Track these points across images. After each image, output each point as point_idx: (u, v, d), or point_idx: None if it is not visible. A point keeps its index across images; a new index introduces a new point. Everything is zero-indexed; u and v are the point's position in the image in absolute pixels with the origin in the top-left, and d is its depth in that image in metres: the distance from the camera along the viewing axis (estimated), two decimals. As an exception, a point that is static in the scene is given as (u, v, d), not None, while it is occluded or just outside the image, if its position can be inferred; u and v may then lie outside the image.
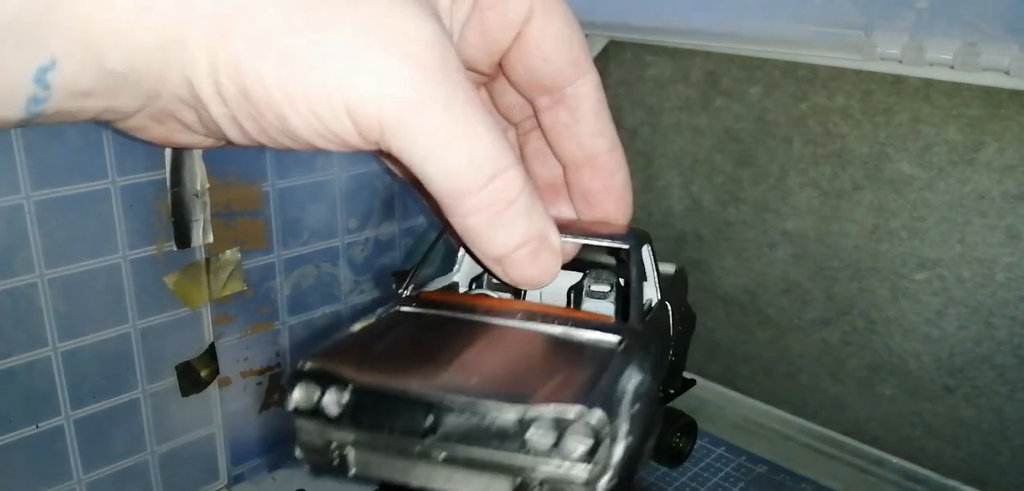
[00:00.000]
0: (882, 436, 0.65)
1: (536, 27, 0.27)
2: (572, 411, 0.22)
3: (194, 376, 0.61)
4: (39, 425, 0.53)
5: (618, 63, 0.73)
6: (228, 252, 0.60)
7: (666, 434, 0.58)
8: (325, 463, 0.24)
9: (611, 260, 0.37)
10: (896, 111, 0.57)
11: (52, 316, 0.52)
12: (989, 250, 0.55)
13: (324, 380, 0.24)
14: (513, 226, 0.25)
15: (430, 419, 0.23)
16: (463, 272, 0.33)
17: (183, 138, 0.25)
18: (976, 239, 0.56)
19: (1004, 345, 0.56)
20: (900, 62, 0.51)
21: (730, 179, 0.67)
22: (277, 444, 0.70)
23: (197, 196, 0.57)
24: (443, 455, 0.23)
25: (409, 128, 0.22)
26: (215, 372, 0.62)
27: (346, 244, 0.70)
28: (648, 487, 0.62)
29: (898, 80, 0.56)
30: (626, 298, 0.30)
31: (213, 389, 0.62)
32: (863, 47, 0.52)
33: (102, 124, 0.23)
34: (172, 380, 0.60)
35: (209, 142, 0.25)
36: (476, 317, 0.28)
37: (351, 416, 0.24)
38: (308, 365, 0.24)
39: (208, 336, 0.61)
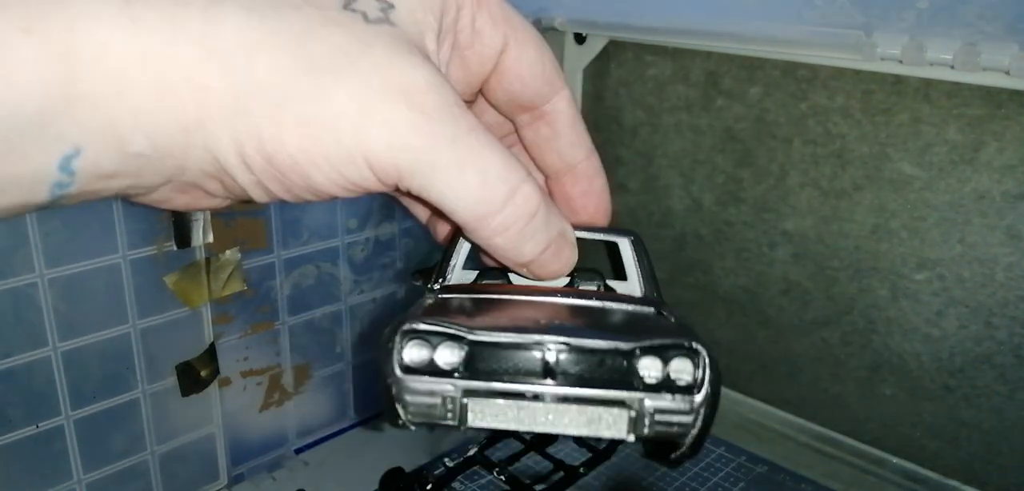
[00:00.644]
0: (882, 436, 0.65)
1: (511, 56, 0.29)
2: (678, 343, 0.24)
3: (194, 376, 0.61)
4: (39, 425, 0.53)
5: (618, 63, 0.73)
6: (228, 252, 0.60)
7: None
8: (438, 419, 0.25)
9: (595, 267, 0.38)
10: (896, 111, 0.57)
11: (52, 316, 0.52)
12: (989, 250, 0.55)
13: (436, 337, 0.25)
14: (536, 237, 0.27)
15: (545, 363, 0.24)
16: (457, 277, 0.33)
17: (206, 203, 0.26)
18: (976, 239, 0.56)
19: (1004, 345, 0.56)
20: (900, 62, 0.51)
21: (730, 179, 0.67)
22: (277, 443, 0.70)
23: (197, 196, 0.57)
24: (560, 395, 0.24)
25: (424, 168, 0.23)
26: (215, 372, 0.62)
27: (346, 244, 0.70)
28: (648, 487, 0.62)
29: (898, 80, 0.56)
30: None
31: (213, 389, 0.62)
32: (863, 47, 0.52)
33: (124, 200, 0.24)
34: (172, 380, 0.60)
35: (229, 203, 0.26)
36: (526, 296, 0.30)
37: (467, 368, 0.25)
38: (419, 325, 0.25)
39: (208, 336, 0.61)
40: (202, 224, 0.58)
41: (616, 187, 0.75)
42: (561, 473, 0.56)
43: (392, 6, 0.24)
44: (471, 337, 0.25)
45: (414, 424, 0.25)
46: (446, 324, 0.25)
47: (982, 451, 0.59)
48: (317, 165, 0.23)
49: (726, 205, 0.68)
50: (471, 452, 0.58)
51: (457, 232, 0.31)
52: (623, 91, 0.73)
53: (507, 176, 0.25)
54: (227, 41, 0.21)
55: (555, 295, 0.30)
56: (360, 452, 0.70)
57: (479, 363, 0.25)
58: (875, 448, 0.65)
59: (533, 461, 0.58)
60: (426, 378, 0.25)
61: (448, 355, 0.25)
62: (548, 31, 0.70)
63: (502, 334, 0.25)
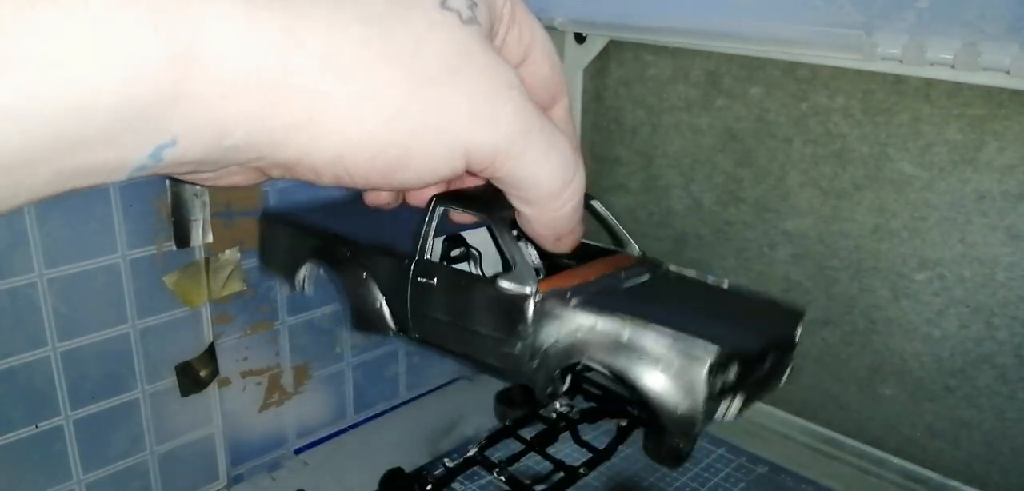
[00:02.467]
0: (883, 436, 0.65)
1: (526, 71, 0.31)
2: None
3: (194, 376, 0.61)
4: (39, 425, 0.53)
5: (618, 63, 0.73)
6: (228, 252, 0.60)
7: (666, 435, 0.58)
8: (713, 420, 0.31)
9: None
10: (897, 111, 0.57)
11: (52, 316, 0.52)
12: (990, 250, 0.55)
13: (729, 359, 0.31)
14: (578, 212, 0.31)
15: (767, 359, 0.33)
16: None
17: (253, 181, 0.27)
18: (977, 239, 0.56)
19: (1005, 345, 0.56)
20: (901, 62, 0.51)
21: (730, 179, 0.67)
22: (277, 444, 0.70)
23: (196, 196, 0.57)
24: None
25: (519, 152, 0.27)
26: (215, 372, 0.62)
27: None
28: (648, 487, 0.62)
29: (899, 80, 0.56)
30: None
31: (213, 389, 0.62)
32: (864, 47, 0.52)
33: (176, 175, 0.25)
34: (172, 380, 0.60)
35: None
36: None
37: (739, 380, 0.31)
38: (723, 354, 0.30)
39: (208, 336, 0.61)
40: (202, 224, 0.58)
41: (616, 187, 0.75)
42: (561, 473, 0.56)
43: (476, 4, 0.26)
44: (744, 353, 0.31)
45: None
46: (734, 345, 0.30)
47: (982, 451, 0.59)
48: (413, 164, 0.25)
49: (726, 205, 0.68)
50: (471, 452, 0.58)
51: (428, 210, 0.34)
52: (623, 91, 0.73)
53: (573, 158, 0.29)
54: (347, 53, 0.23)
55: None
56: (360, 452, 0.70)
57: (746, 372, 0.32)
58: (876, 448, 0.65)
59: (533, 461, 0.58)
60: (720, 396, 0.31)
61: (734, 372, 0.31)
62: (548, 30, 0.70)
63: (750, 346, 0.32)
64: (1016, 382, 0.56)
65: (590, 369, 0.34)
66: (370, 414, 0.76)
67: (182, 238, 0.57)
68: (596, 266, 0.37)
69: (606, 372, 0.33)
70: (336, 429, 0.73)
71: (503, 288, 0.34)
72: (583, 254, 0.37)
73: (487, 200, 0.33)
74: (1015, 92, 0.51)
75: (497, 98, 0.26)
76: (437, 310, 0.36)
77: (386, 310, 0.37)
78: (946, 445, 0.61)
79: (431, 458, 0.62)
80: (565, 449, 0.59)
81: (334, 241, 0.40)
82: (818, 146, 0.62)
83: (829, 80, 0.60)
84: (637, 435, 0.59)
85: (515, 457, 0.57)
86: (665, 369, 0.30)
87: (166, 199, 0.56)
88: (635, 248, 0.40)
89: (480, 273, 0.40)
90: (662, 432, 0.32)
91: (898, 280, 0.60)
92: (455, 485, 0.58)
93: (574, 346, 0.32)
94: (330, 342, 0.71)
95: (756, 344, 0.32)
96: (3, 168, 0.18)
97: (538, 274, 0.35)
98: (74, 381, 0.54)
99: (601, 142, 0.76)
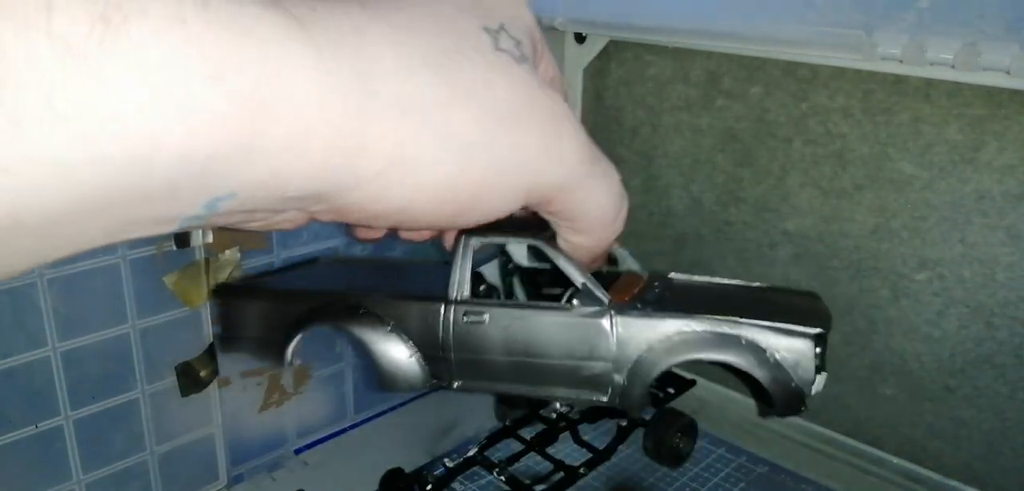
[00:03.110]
0: (883, 436, 0.65)
1: None
2: None
3: (194, 376, 0.61)
4: (38, 425, 0.53)
5: (618, 63, 0.73)
6: (228, 252, 0.60)
7: (666, 434, 0.58)
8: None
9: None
10: (897, 111, 0.57)
11: (51, 316, 0.52)
12: (990, 250, 0.55)
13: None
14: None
15: None
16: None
17: (288, 226, 0.27)
18: (977, 239, 0.56)
19: (1005, 345, 0.56)
20: (901, 62, 0.51)
21: (731, 179, 0.67)
22: (277, 444, 0.70)
23: (197, 196, 0.57)
24: None
25: (578, 185, 0.28)
26: (215, 372, 0.62)
27: (346, 244, 0.70)
28: (648, 487, 0.62)
29: (899, 80, 0.56)
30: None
31: (213, 389, 0.62)
32: (864, 47, 0.52)
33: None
34: (172, 380, 0.60)
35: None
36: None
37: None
38: (821, 333, 0.35)
39: (208, 336, 0.61)
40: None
41: (616, 187, 0.75)
42: (561, 473, 0.56)
43: (519, 42, 0.27)
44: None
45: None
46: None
47: (982, 451, 0.59)
48: (481, 205, 0.26)
49: (726, 205, 0.68)
50: (471, 452, 0.58)
51: (457, 241, 0.34)
52: (623, 91, 0.73)
53: (621, 188, 0.30)
54: (421, 98, 0.22)
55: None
56: (360, 452, 0.70)
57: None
58: (875, 448, 0.65)
59: (533, 461, 0.58)
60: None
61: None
62: (548, 31, 0.70)
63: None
64: (1016, 382, 0.56)
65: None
66: (370, 414, 0.76)
67: (182, 238, 0.57)
68: (624, 279, 0.37)
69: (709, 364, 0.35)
70: (336, 429, 0.73)
71: (579, 309, 0.33)
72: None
73: (519, 226, 0.33)
74: (1015, 92, 0.51)
75: (561, 134, 0.27)
76: (491, 350, 0.34)
77: (419, 361, 0.35)
78: (946, 445, 0.61)
79: (431, 458, 0.62)
80: (565, 449, 0.59)
81: (335, 299, 0.37)
82: (818, 146, 0.62)
83: (829, 80, 0.60)
84: (637, 435, 0.59)
85: (515, 457, 0.57)
86: (775, 353, 0.33)
87: (166, 199, 0.56)
88: (634, 263, 0.41)
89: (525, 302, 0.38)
90: (771, 407, 0.34)
91: (898, 280, 0.60)
92: (455, 485, 0.58)
93: (671, 349, 0.33)
94: (330, 342, 0.71)
95: (828, 325, 0.36)
96: (49, 220, 0.17)
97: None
98: (74, 381, 0.54)
99: (601, 142, 0.75)
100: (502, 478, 0.55)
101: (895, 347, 0.61)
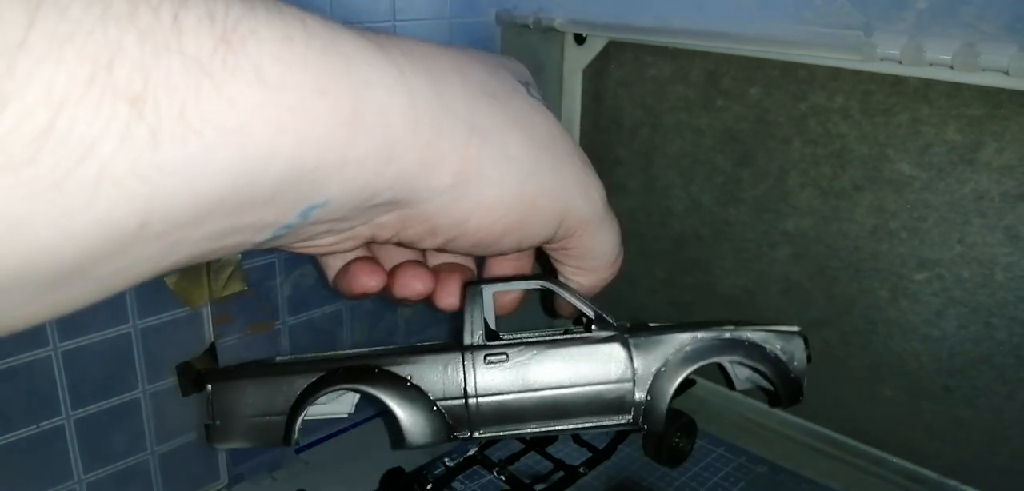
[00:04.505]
0: (882, 436, 0.65)
1: None
2: None
3: (194, 376, 0.61)
4: (39, 425, 0.53)
5: (618, 63, 0.73)
6: (228, 252, 0.60)
7: (666, 434, 0.58)
8: None
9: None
10: (896, 111, 0.57)
11: (53, 316, 0.52)
12: (989, 250, 0.55)
13: None
14: None
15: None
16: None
17: (347, 248, 0.28)
18: (976, 239, 0.56)
19: (1004, 345, 0.56)
20: (900, 62, 0.52)
21: (730, 179, 0.68)
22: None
23: (197, 196, 0.57)
24: None
25: (598, 224, 0.30)
26: (215, 372, 0.62)
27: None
28: (648, 487, 0.62)
29: (898, 80, 0.56)
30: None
31: (213, 389, 0.62)
32: (863, 47, 0.52)
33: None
34: (172, 380, 0.60)
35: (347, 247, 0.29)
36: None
37: None
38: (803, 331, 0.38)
39: (208, 336, 0.61)
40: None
41: (616, 187, 0.75)
42: (561, 473, 0.56)
43: (541, 99, 0.29)
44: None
45: None
46: None
47: (982, 451, 0.59)
48: (527, 227, 0.27)
49: (726, 205, 0.68)
50: (471, 451, 0.58)
51: (465, 290, 0.34)
52: (623, 91, 0.73)
53: (619, 234, 0.32)
54: (486, 120, 0.25)
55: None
56: (360, 452, 0.70)
57: None
58: (875, 448, 0.65)
59: (533, 461, 0.58)
60: None
61: None
62: (548, 31, 0.70)
63: None
64: (1015, 382, 0.56)
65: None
66: (370, 414, 0.76)
67: (183, 238, 0.57)
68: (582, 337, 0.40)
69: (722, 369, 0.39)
70: (336, 429, 0.73)
71: (596, 336, 0.35)
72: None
73: (523, 275, 0.35)
74: (1014, 92, 0.51)
75: (588, 172, 0.29)
76: (515, 389, 0.34)
77: (440, 414, 0.34)
78: (945, 445, 0.61)
79: (431, 458, 0.62)
80: (565, 448, 0.59)
81: (346, 363, 0.36)
82: (817, 146, 0.62)
83: (828, 80, 0.60)
84: (637, 435, 0.59)
85: (515, 456, 0.58)
86: (773, 350, 0.37)
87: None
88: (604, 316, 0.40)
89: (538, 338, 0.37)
90: (779, 399, 0.37)
91: (897, 280, 0.60)
92: (455, 485, 0.58)
93: (685, 359, 0.36)
94: (330, 342, 0.71)
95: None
96: (176, 226, 0.18)
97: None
98: (75, 381, 0.54)
99: (601, 142, 0.76)
100: (502, 477, 0.56)
101: (894, 347, 0.62)
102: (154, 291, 0.57)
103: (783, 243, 0.66)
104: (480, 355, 0.34)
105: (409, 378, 0.34)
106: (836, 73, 0.59)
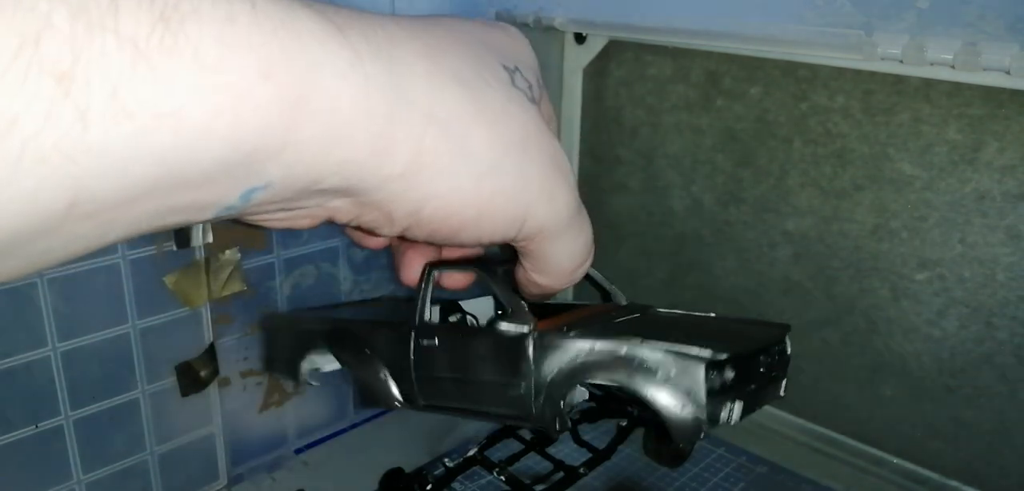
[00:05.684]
0: (883, 436, 0.65)
1: None
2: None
3: (194, 376, 0.61)
4: (39, 425, 0.53)
5: (618, 63, 0.73)
6: (228, 252, 0.60)
7: (672, 440, 0.58)
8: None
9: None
10: (897, 111, 0.57)
11: (52, 316, 0.52)
12: (990, 250, 0.55)
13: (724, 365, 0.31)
14: None
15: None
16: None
17: (305, 224, 0.27)
18: (977, 239, 0.56)
19: (1005, 345, 0.56)
20: (901, 62, 0.51)
21: (731, 179, 0.67)
22: (277, 444, 0.70)
23: (197, 196, 0.57)
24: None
25: (559, 232, 0.29)
26: (215, 372, 0.62)
27: (346, 244, 0.70)
28: (648, 487, 0.62)
29: (899, 80, 0.56)
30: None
31: (213, 389, 0.62)
32: (864, 47, 0.52)
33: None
34: (172, 380, 0.60)
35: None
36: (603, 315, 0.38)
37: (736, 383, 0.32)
38: (722, 356, 0.31)
39: (208, 336, 0.61)
40: (202, 224, 0.58)
41: (616, 187, 0.75)
42: (561, 473, 0.56)
43: (531, 85, 0.28)
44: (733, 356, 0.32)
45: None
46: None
47: (983, 451, 0.59)
48: (484, 225, 0.26)
49: (726, 205, 0.68)
50: (471, 452, 0.58)
51: (426, 273, 0.36)
52: (623, 91, 0.73)
53: (592, 238, 0.31)
54: (447, 110, 0.24)
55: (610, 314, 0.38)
56: (360, 452, 0.70)
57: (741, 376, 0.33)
58: (875, 448, 0.65)
59: (533, 461, 0.58)
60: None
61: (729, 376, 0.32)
62: (548, 31, 0.70)
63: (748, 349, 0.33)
64: (1016, 382, 0.56)
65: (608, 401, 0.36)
66: (370, 414, 0.76)
67: (182, 238, 0.57)
68: (590, 309, 0.39)
69: (612, 390, 0.34)
70: (336, 429, 0.73)
71: (503, 331, 0.35)
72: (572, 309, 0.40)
73: (480, 259, 0.35)
74: (1015, 92, 0.51)
75: (558, 177, 0.28)
76: (441, 369, 0.36)
77: (391, 383, 0.38)
78: (946, 445, 0.61)
79: (431, 458, 0.62)
80: (565, 449, 0.59)
81: (335, 328, 0.41)
82: (818, 146, 0.62)
83: (829, 80, 0.60)
84: (637, 435, 0.59)
85: (515, 457, 0.57)
86: (666, 376, 0.31)
87: (166, 199, 0.56)
88: (623, 298, 0.42)
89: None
90: (668, 437, 0.31)
91: (898, 280, 0.60)
92: (455, 485, 0.58)
93: (575, 371, 0.33)
94: (330, 342, 0.71)
95: (747, 348, 0.33)
96: (106, 206, 0.18)
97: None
98: (74, 381, 0.54)
99: (601, 142, 0.76)
100: (502, 478, 0.55)
101: (895, 347, 0.61)
102: (154, 291, 0.57)
103: (784, 243, 0.66)
104: (420, 335, 0.37)
105: (368, 349, 0.38)
106: (837, 73, 0.59)
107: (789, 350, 0.38)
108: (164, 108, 0.17)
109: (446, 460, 0.58)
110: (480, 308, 0.42)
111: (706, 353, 0.30)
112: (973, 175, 0.55)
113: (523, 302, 0.35)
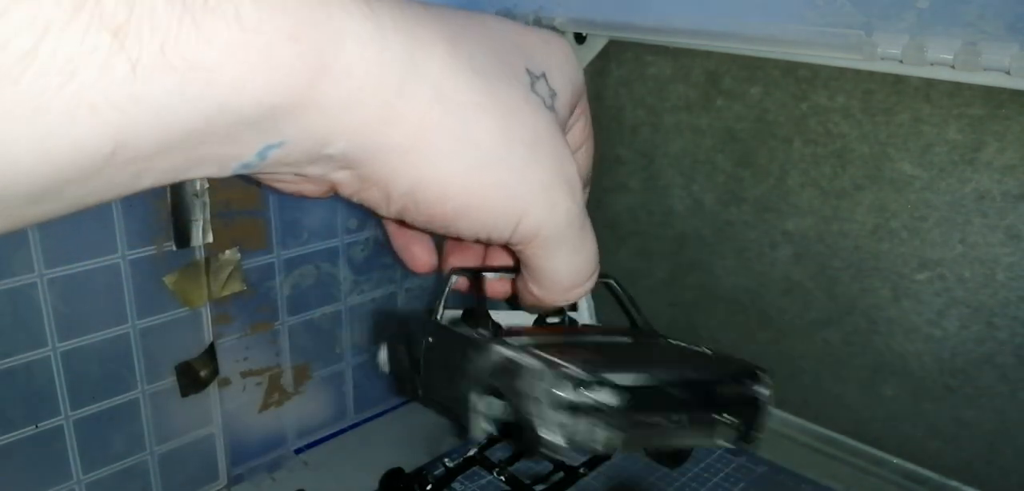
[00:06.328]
0: (883, 436, 0.65)
1: (578, 159, 0.33)
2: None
3: (194, 376, 0.61)
4: (39, 425, 0.53)
5: (618, 63, 0.73)
6: (228, 252, 0.60)
7: (529, 452, 0.58)
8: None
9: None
10: (897, 111, 0.57)
11: (52, 316, 0.52)
12: (990, 250, 0.55)
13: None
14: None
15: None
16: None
17: (309, 190, 0.27)
18: (977, 239, 0.56)
19: (1006, 345, 0.56)
20: (901, 62, 0.51)
21: (731, 179, 0.67)
22: (277, 444, 0.70)
23: (197, 196, 0.57)
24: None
25: (556, 243, 0.28)
26: (215, 372, 0.62)
27: (346, 244, 0.70)
28: (648, 487, 0.62)
29: (899, 80, 0.56)
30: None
31: (213, 389, 0.62)
32: (864, 47, 0.52)
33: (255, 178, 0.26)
34: (172, 380, 0.60)
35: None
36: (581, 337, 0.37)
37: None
38: (597, 377, 0.28)
39: (208, 336, 0.61)
40: (202, 224, 0.58)
41: (616, 187, 0.75)
42: (561, 473, 0.56)
43: (555, 94, 0.28)
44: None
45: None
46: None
47: (983, 451, 0.59)
48: (478, 216, 0.26)
49: (727, 205, 0.68)
50: (471, 452, 0.58)
51: (445, 279, 0.36)
52: (623, 91, 0.73)
53: (596, 261, 0.31)
54: (457, 94, 0.24)
55: (589, 334, 0.37)
56: (360, 452, 0.70)
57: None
58: (876, 448, 0.65)
59: (533, 461, 0.58)
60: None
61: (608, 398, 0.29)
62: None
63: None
64: (1017, 382, 0.56)
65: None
66: (370, 414, 0.76)
67: (182, 238, 0.57)
68: (585, 329, 0.38)
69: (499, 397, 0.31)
70: (336, 429, 0.73)
71: (457, 332, 0.35)
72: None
73: (496, 269, 0.36)
74: (1015, 92, 0.51)
75: (561, 185, 0.28)
76: (436, 368, 0.37)
77: (410, 371, 0.40)
78: (946, 445, 0.61)
79: (431, 458, 0.62)
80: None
81: (399, 324, 0.43)
82: (818, 146, 0.62)
83: (829, 80, 0.60)
84: (637, 435, 0.59)
85: (515, 457, 0.57)
86: (532, 385, 0.28)
87: (166, 199, 0.56)
88: (650, 325, 0.40)
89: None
90: (530, 449, 0.29)
91: (899, 280, 0.60)
92: (455, 485, 0.58)
93: (482, 374, 0.31)
94: (330, 342, 0.71)
95: (654, 380, 0.30)
96: (142, 155, 0.19)
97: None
98: (74, 381, 0.54)
99: (601, 142, 0.76)
100: (502, 478, 0.55)
101: (895, 347, 0.61)
102: (153, 291, 0.57)
103: (784, 243, 0.66)
104: (427, 332, 0.38)
105: (404, 344, 0.40)
106: (837, 73, 0.59)
107: (761, 395, 0.32)
108: (203, 63, 0.18)
109: (446, 460, 0.58)
110: (519, 319, 0.40)
111: (574, 369, 0.27)
112: (973, 175, 0.55)
113: (488, 310, 0.35)
